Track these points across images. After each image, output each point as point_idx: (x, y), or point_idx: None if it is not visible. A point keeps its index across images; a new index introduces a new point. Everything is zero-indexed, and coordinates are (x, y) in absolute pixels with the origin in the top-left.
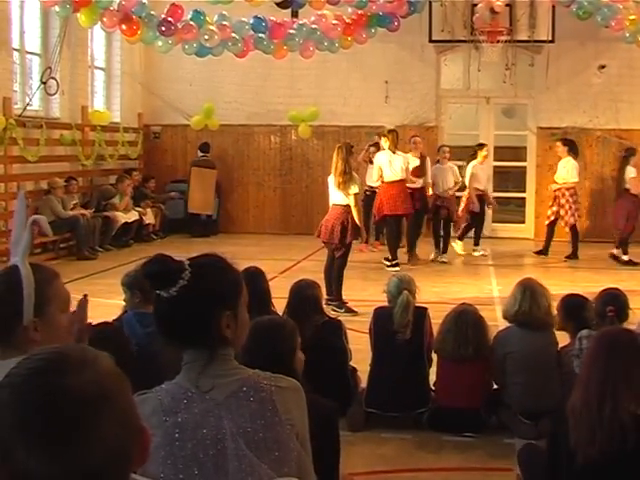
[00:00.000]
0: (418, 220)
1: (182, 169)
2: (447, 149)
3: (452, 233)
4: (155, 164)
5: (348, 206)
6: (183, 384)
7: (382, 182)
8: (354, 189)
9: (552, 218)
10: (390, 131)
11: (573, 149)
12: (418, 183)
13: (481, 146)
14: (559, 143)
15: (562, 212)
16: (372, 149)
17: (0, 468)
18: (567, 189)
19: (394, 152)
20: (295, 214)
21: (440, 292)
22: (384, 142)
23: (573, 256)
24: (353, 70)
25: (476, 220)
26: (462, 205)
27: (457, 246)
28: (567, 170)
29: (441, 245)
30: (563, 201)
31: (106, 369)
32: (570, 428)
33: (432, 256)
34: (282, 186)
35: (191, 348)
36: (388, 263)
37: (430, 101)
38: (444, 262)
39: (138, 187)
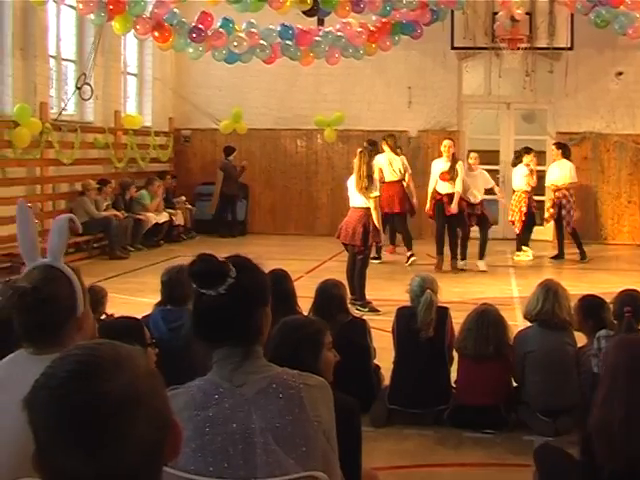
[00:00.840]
0: (455, 227)
1: (211, 172)
2: (475, 155)
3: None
4: (185, 167)
5: (368, 209)
6: (215, 380)
7: (382, 182)
8: (375, 192)
9: (551, 220)
10: (389, 136)
11: (566, 152)
12: (450, 188)
13: (528, 150)
14: (553, 147)
15: (564, 212)
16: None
17: (39, 466)
18: (567, 189)
19: (395, 154)
20: (320, 216)
21: (461, 292)
22: (384, 145)
23: (583, 255)
24: (377, 76)
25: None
26: (515, 210)
27: (524, 254)
28: (566, 171)
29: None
30: (564, 202)
31: (140, 369)
32: (594, 445)
33: (460, 264)
34: (308, 189)
35: (226, 345)
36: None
37: (452, 106)
38: (463, 270)
39: (169, 189)
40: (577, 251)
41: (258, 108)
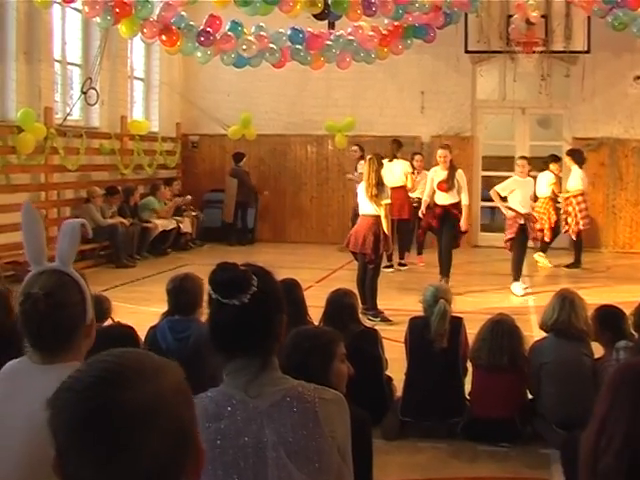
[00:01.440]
0: (452, 241)
1: (219, 178)
2: (523, 161)
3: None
4: (193, 173)
5: (379, 217)
6: (228, 391)
7: None
8: (386, 200)
9: (566, 229)
10: (393, 141)
11: (577, 158)
12: (451, 197)
13: (557, 158)
14: (566, 155)
15: (569, 220)
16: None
17: (56, 466)
18: (574, 197)
19: (391, 160)
20: (331, 223)
21: (475, 302)
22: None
23: (576, 264)
24: (389, 81)
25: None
26: (543, 218)
27: (542, 259)
28: (573, 179)
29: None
30: (570, 209)
31: (165, 383)
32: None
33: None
34: (318, 195)
35: (243, 356)
36: (401, 267)
37: (466, 111)
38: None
39: (177, 196)
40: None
41: (267, 113)
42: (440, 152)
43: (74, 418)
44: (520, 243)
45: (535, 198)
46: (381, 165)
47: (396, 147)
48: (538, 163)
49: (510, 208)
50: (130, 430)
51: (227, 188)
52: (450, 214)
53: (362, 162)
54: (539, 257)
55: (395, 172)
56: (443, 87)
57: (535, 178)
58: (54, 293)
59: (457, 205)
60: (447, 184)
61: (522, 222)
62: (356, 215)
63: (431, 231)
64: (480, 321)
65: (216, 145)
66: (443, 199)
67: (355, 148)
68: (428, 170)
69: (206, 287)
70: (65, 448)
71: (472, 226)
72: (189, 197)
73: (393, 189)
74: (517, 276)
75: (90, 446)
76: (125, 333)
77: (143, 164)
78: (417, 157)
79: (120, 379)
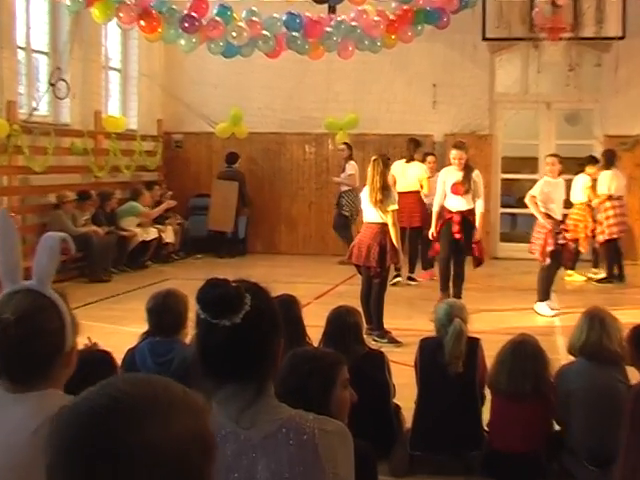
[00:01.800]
0: (461, 257)
1: (206, 182)
2: (555, 158)
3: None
4: (176, 176)
5: (385, 225)
6: (219, 421)
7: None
8: (392, 206)
9: (600, 237)
10: (411, 140)
11: (607, 158)
12: (465, 204)
13: (595, 160)
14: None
15: (599, 228)
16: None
17: None
18: (601, 202)
19: (409, 161)
20: (332, 233)
21: (494, 321)
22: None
23: (609, 278)
24: (397, 72)
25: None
26: (579, 226)
27: (574, 275)
28: (602, 183)
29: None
30: (599, 216)
31: (179, 427)
32: None
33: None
34: (318, 201)
35: (235, 382)
36: (411, 282)
37: (483, 107)
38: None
39: (160, 202)
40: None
41: (260, 109)
42: (454, 153)
43: (64, 445)
44: (556, 257)
45: (569, 204)
46: (387, 167)
47: (413, 147)
48: (568, 165)
49: (548, 216)
50: (129, 477)
51: (215, 193)
52: (468, 222)
53: (351, 162)
54: (569, 278)
55: (409, 175)
56: (458, 79)
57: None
58: (28, 317)
59: (473, 212)
60: (464, 186)
61: (557, 231)
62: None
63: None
64: (499, 342)
65: (202, 144)
66: (458, 204)
67: (342, 147)
68: None
69: (192, 305)
70: (54, 472)
71: (490, 235)
72: (170, 193)
73: (403, 194)
74: (545, 295)
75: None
76: (100, 358)
77: (120, 166)
78: (429, 158)
79: (123, 418)
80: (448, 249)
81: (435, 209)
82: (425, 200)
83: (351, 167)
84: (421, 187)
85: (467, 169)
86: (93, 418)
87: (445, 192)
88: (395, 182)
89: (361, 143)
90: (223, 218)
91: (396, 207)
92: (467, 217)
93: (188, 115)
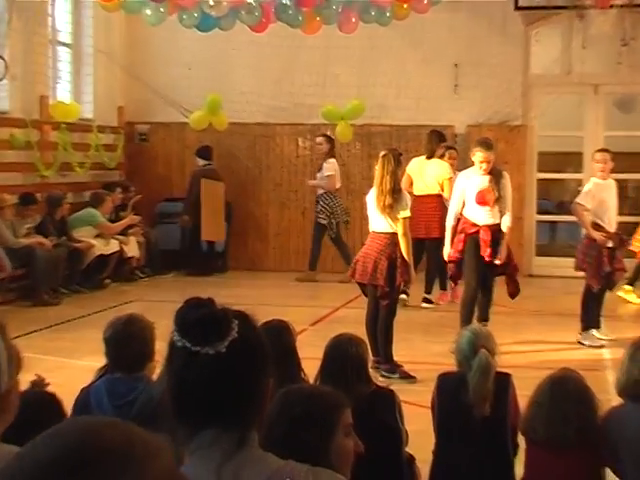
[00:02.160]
0: (490, 282)
1: (178, 183)
2: (606, 155)
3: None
4: (141, 176)
5: (395, 235)
6: (195, 474)
7: (412, 195)
8: (404, 212)
9: None
10: (432, 132)
11: None
12: (493, 215)
13: None
14: None
15: None
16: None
17: None
18: None
19: (430, 157)
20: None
21: (528, 353)
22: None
23: None
24: (410, 49)
25: None
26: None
27: (630, 295)
28: None
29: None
30: None
31: (155, 473)
32: None
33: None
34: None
35: (215, 427)
36: (425, 305)
37: (515, 91)
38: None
39: (120, 207)
40: None
41: (244, 94)
42: (480, 155)
43: None
44: (608, 278)
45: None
46: (399, 164)
47: (436, 140)
48: (620, 161)
49: (599, 227)
50: None
51: (205, 196)
52: (498, 239)
53: (330, 161)
54: (626, 291)
55: (428, 175)
56: (484, 57)
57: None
58: None
59: (499, 227)
60: (493, 194)
61: (611, 246)
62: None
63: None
64: (535, 379)
65: (173, 138)
66: (486, 217)
67: (320, 140)
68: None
69: (160, 334)
70: None
71: (524, 248)
72: (137, 217)
73: (421, 198)
74: (592, 322)
75: None
76: (42, 400)
77: (72, 163)
78: (450, 153)
79: (88, 475)
80: (477, 274)
81: (450, 223)
82: (447, 205)
83: (330, 166)
84: (441, 189)
85: (495, 173)
86: (43, 476)
87: (464, 201)
88: (412, 183)
89: (367, 136)
90: (216, 226)
91: (408, 214)
92: (497, 233)
93: (155, 102)
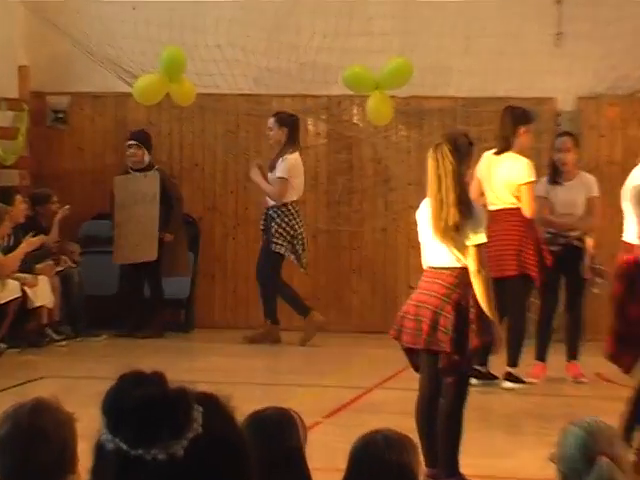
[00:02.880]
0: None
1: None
2: None
3: None
4: (56, 178)
5: (465, 272)
6: None
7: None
8: (477, 237)
9: None
10: (508, 110)
11: None
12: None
13: None
14: None
15: None
16: None
17: None
18: None
19: (500, 152)
20: (360, 285)
21: None
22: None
23: None
24: None
25: None
26: None
27: None
28: None
29: None
30: None
31: None
32: None
33: None
34: (331, 225)
35: None
36: (510, 385)
37: None
38: None
39: (23, 227)
40: None
41: (221, 49)
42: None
43: None
44: None
45: None
46: (466, 160)
47: (512, 124)
48: None
49: None
50: None
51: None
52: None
53: (288, 157)
54: None
55: (497, 179)
56: None
57: None
58: None
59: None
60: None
61: None
62: None
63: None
64: None
65: (108, 117)
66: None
67: (271, 122)
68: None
69: (84, 428)
70: None
71: None
72: (36, 239)
73: (492, 214)
74: None
75: None
76: None
77: None
78: (563, 142)
79: None
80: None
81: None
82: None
83: (286, 165)
84: (517, 199)
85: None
86: None
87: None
88: (483, 192)
89: (416, 114)
90: (142, 242)
91: (483, 239)
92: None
93: (80, 60)
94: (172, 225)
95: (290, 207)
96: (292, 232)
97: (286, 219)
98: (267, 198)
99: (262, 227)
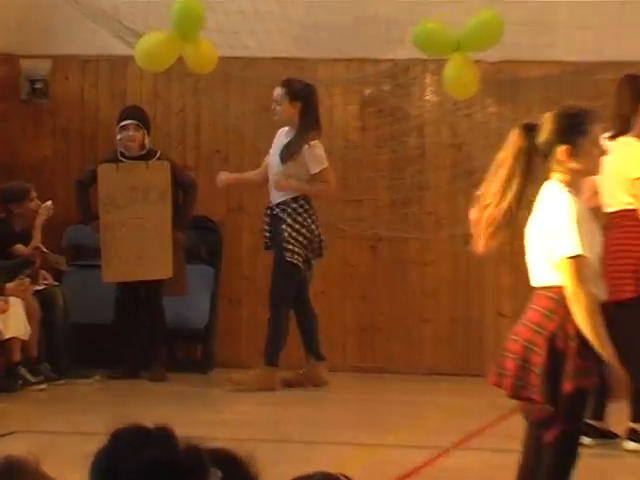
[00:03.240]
0: None
1: None
2: None
3: None
4: (32, 168)
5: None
6: None
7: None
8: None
9: None
10: (626, 77)
11: None
12: None
13: None
14: None
15: None
16: None
17: None
18: None
19: (615, 137)
20: (434, 312)
21: None
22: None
23: None
24: None
25: None
26: None
27: None
28: None
29: None
30: None
31: None
32: None
33: None
34: (395, 234)
35: None
36: (634, 445)
37: None
38: None
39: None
40: None
41: (253, 4)
42: None
43: None
44: None
45: None
46: (581, 137)
47: (633, 100)
48: None
49: None
50: None
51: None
52: None
53: (312, 142)
54: None
55: (611, 172)
56: None
57: None
58: None
59: None
60: None
61: None
62: None
63: None
64: None
65: (103, 87)
66: None
67: (278, 94)
68: None
69: None
70: None
71: None
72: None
73: (611, 216)
74: None
75: None
76: None
77: None
78: None
79: None
80: None
81: None
82: None
83: (318, 151)
84: (634, 197)
85: None
86: None
87: None
88: (596, 191)
89: (510, 84)
90: (138, 257)
91: (579, 250)
92: None
93: (64, 13)
94: (182, 220)
95: (303, 201)
96: (308, 234)
97: (299, 218)
98: (273, 192)
99: (267, 232)
